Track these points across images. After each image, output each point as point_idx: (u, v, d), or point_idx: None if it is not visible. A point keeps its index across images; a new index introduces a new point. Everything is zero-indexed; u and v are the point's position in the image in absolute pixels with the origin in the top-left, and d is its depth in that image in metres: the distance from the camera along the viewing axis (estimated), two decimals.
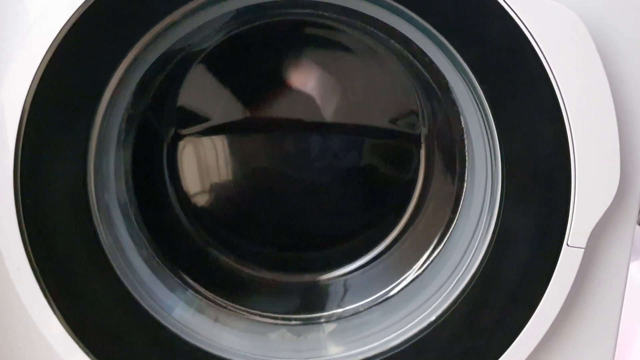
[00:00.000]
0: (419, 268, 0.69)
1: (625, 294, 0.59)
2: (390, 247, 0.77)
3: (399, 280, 0.70)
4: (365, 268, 0.77)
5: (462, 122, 0.64)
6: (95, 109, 0.53)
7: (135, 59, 0.54)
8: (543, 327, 0.56)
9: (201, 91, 0.77)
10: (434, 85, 0.66)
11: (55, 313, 0.55)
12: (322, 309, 0.71)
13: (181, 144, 0.78)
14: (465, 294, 0.57)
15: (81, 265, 0.55)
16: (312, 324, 0.69)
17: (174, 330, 0.59)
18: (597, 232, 0.54)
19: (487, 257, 0.56)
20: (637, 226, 0.66)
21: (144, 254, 0.64)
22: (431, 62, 0.59)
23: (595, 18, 0.52)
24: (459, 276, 0.59)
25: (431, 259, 0.69)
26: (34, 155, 0.52)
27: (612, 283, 0.58)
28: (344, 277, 0.77)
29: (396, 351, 0.59)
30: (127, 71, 0.54)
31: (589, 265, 0.57)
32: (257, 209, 0.81)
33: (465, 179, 0.66)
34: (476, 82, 0.52)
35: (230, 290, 0.71)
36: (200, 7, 0.55)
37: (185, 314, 0.63)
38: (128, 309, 0.57)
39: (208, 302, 0.68)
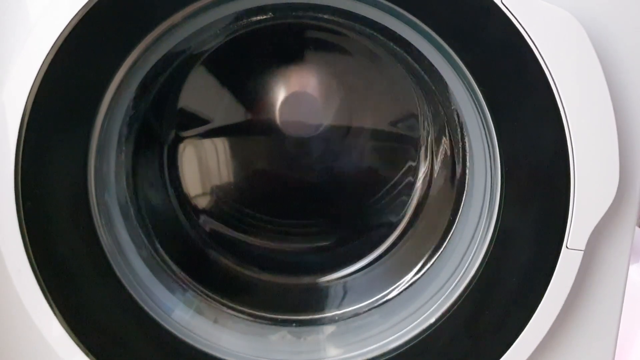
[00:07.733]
0: (419, 270, 0.69)
1: (625, 297, 0.59)
2: (390, 249, 0.77)
3: (398, 282, 0.70)
4: (365, 270, 0.77)
5: (462, 125, 0.64)
6: (96, 111, 0.53)
7: (137, 60, 0.54)
8: (542, 330, 0.56)
9: (202, 93, 0.77)
10: (434, 88, 0.66)
11: (55, 314, 0.55)
12: (322, 311, 0.71)
13: (181, 145, 0.78)
14: (464, 296, 0.57)
15: (81, 266, 0.56)
16: (312, 325, 0.69)
17: (174, 331, 0.59)
18: (596, 235, 0.54)
19: (487, 259, 0.56)
20: (637, 228, 0.66)
21: (143, 255, 0.64)
22: (430, 64, 0.59)
23: (594, 21, 0.52)
24: (458, 278, 0.59)
25: (431, 261, 0.68)
26: (35, 156, 0.53)
27: (612, 285, 0.58)
28: (344, 279, 0.77)
29: (396, 353, 0.59)
30: (128, 73, 0.54)
31: (588, 267, 0.57)
32: (256, 210, 0.81)
33: (465, 181, 0.66)
34: (475, 85, 0.52)
35: (229, 291, 0.71)
36: (202, 10, 0.55)
37: (184, 315, 0.64)
38: (128, 310, 0.58)
39: (207, 303, 0.68)
